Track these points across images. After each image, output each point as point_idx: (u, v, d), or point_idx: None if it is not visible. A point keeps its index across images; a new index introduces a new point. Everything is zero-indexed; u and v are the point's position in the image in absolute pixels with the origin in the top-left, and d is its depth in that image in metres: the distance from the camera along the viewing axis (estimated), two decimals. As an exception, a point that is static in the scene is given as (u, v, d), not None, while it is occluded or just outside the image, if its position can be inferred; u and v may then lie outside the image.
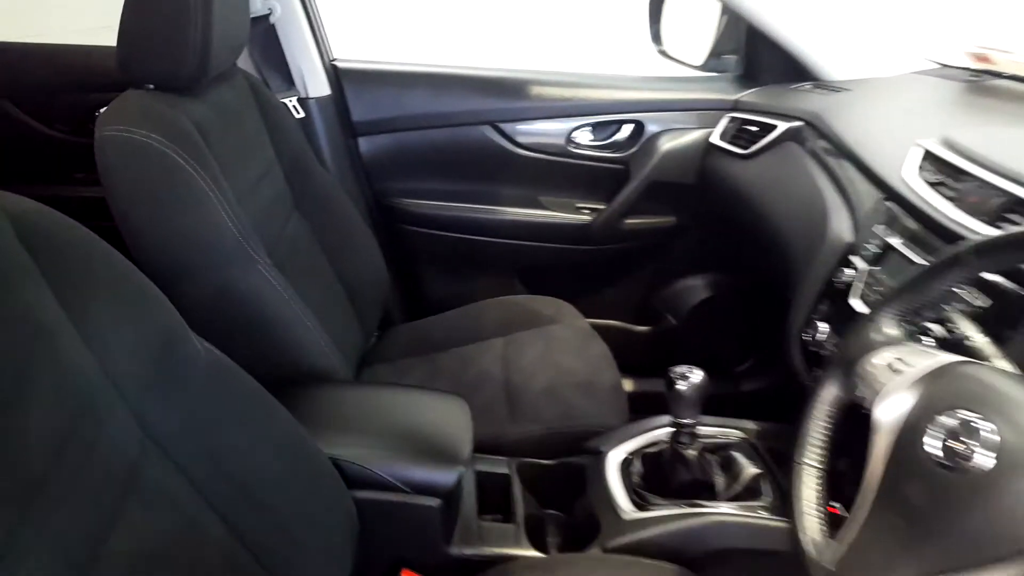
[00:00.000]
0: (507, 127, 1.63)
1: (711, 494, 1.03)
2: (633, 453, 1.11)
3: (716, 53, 1.70)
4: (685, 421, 0.99)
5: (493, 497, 1.11)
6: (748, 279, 1.78)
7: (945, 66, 1.51)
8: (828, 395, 0.75)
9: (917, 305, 0.71)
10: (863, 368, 0.70)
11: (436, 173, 1.70)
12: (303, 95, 1.52)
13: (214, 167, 0.98)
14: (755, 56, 1.64)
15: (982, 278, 0.74)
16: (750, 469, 1.05)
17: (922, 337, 0.74)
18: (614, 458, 1.10)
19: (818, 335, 1.06)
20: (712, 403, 1.79)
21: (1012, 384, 0.58)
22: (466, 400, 1.28)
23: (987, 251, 0.63)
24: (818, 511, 0.71)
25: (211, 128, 1.03)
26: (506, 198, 1.69)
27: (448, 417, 1.03)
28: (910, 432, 0.61)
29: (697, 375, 0.96)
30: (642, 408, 1.28)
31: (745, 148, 1.48)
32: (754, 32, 1.58)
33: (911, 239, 0.97)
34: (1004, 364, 0.69)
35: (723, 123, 1.58)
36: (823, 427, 0.74)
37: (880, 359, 0.69)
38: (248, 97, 1.21)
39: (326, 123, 1.56)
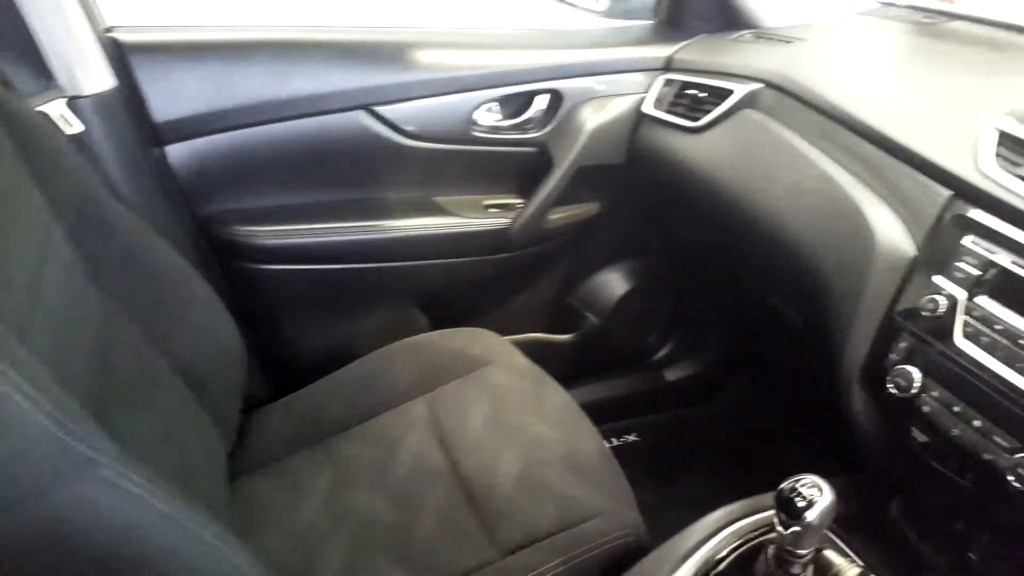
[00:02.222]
0: (388, 111, 1.18)
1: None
2: (699, 578, 0.82)
3: (622, -8, 1.39)
4: (804, 552, 0.72)
5: None
6: (670, 260, 1.55)
7: (885, 4, 1.33)
8: None
9: None
10: None
11: (289, 184, 1.21)
12: (72, 92, 0.97)
13: None
14: (678, -1, 1.35)
15: None
16: (849, 570, 0.81)
17: None
18: None
19: (901, 381, 0.83)
20: (641, 400, 1.62)
21: None
22: (414, 514, 0.94)
23: None
24: None
25: None
26: (393, 206, 1.26)
27: None
28: None
29: (825, 495, 0.68)
30: None
31: (692, 119, 1.21)
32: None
33: (1028, 256, 0.75)
34: None
35: (657, 87, 1.29)
36: None
37: None
38: None
39: (114, 132, 1.01)
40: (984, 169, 0.81)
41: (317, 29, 1.19)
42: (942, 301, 0.81)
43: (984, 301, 0.78)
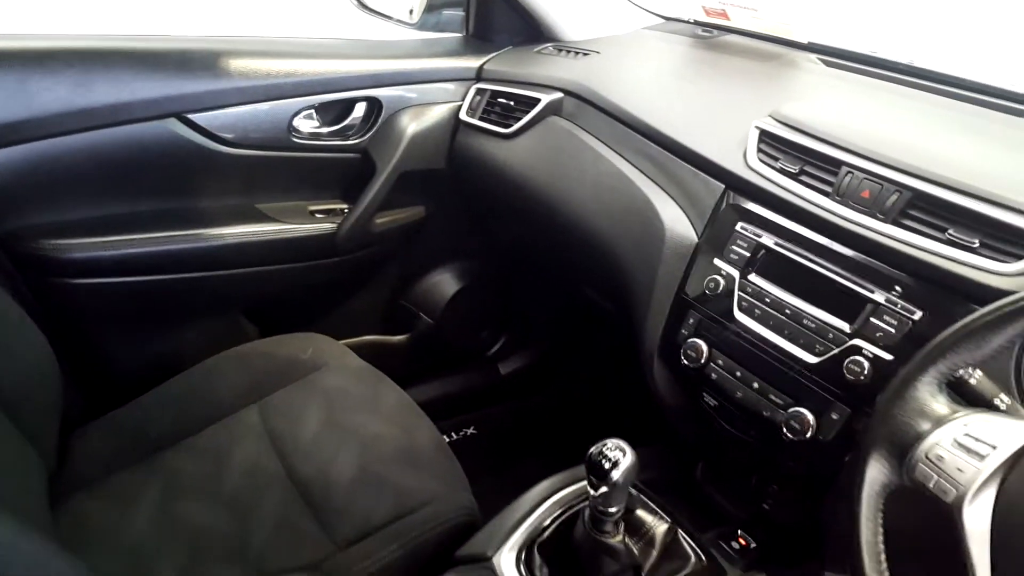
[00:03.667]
0: (202, 118, 1.16)
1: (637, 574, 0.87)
2: (526, 547, 0.89)
3: (432, 7, 1.45)
4: (614, 510, 0.80)
5: None
6: (498, 261, 1.63)
7: (668, 20, 1.48)
8: (875, 487, 0.62)
9: (964, 364, 0.60)
10: (924, 452, 0.58)
11: (99, 195, 1.16)
12: None
13: None
14: (484, 13, 1.42)
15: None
16: (659, 526, 0.91)
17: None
18: (508, 562, 0.87)
19: (691, 353, 0.94)
20: (477, 395, 1.69)
21: None
22: (250, 521, 0.95)
23: None
24: None
25: None
26: (213, 214, 1.24)
27: None
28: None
29: (627, 456, 0.77)
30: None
31: (505, 125, 1.29)
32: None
33: (787, 238, 0.88)
34: (1005, 399, 0.64)
35: (470, 96, 1.35)
36: (879, 528, 0.62)
37: (944, 437, 0.58)
38: None
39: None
40: (750, 164, 0.94)
41: (120, 37, 1.15)
42: (721, 280, 0.93)
43: (755, 278, 0.91)
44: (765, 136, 0.95)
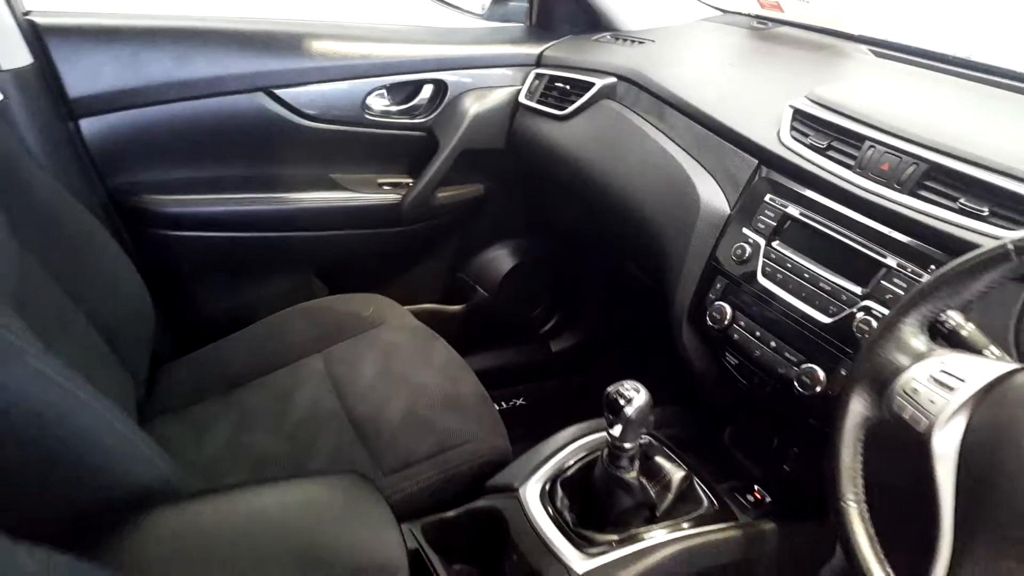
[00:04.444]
0: (287, 93, 1.30)
1: (650, 513, 0.94)
2: (550, 482, 0.97)
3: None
4: (628, 446, 0.87)
5: None
6: (553, 240, 1.72)
7: (726, 12, 1.54)
8: (856, 418, 0.68)
9: (945, 308, 0.66)
10: (902, 386, 0.64)
11: (195, 158, 1.31)
12: (-7, 67, 1.06)
13: None
14: (547, 4, 1.52)
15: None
16: (676, 473, 0.98)
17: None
18: (533, 493, 0.96)
19: (716, 315, 1.01)
20: (528, 369, 1.77)
21: None
22: (308, 450, 1.05)
23: None
24: (878, 554, 0.64)
25: None
26: (292, 181, 1.38)
27: (356, 510, 0.78)
28: (999, 461, 0.56)
29: (641, 395, 0.84)
30: None
31: (560, 108, 1.37)
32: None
33: (812, 208, 0.94)
34: (995, 351, 0.68)
35: (529, 80, 1.45)
36: (858, 455, 0.67)
37: (920, 373, 0.63)
38: None
39: (32, 105, 1.10)
40: (783, 140, 1.00)
41: (215, 19, 1.29)
42: (747, 248, 0.99)
43: (778, 245, 0.96)
44: (798, 115, 1.01)
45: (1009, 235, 0.63)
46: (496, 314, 1.71)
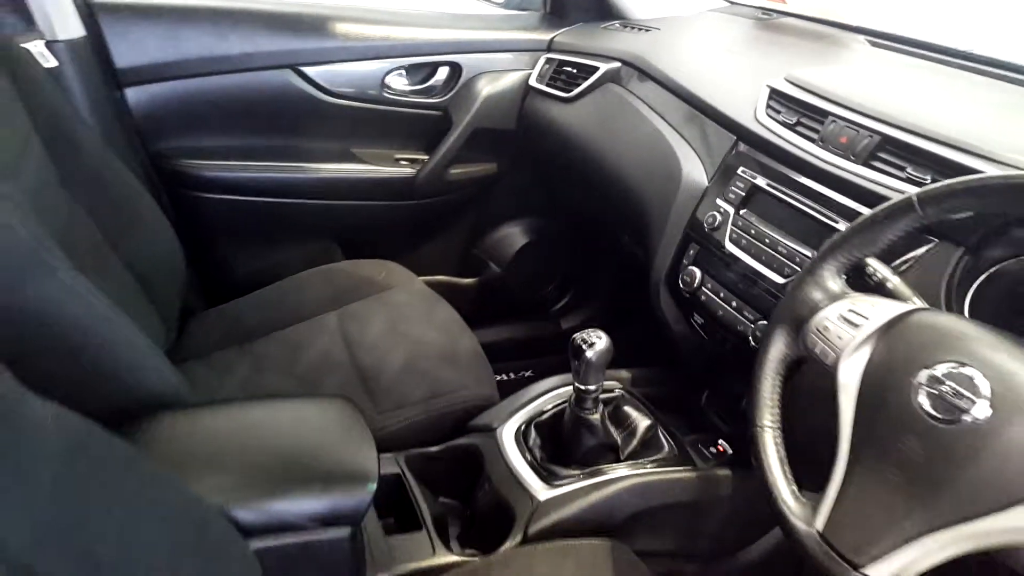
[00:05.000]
0: (312, 71, 1.43)
1: (614, 455, 1.02)
2: (525, 424, 1.06)
3: (519, -12, 1.65)
4: (591, 387, 0.96)
5: (384, 500, 1.00)
6: (564, 220, 1.80)
7: (733, 3, 1.60)
8: (776, 353, 0.75)
9: (861, 255, 0.72)
10: (815, 324, 0.71)
11: (227, 128, 1.44)
12: (50, 37, 1.20)
13: None
14: (561, -7, 1.61)
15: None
16: (643, 421, 1.06)
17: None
18: (509, 433, 1.05)
19: (687, 279, 1.08)
20: (539, 344, 1.85)
21: (978, 329, 0.61)
22: (314, 390, 1.15)
23: (940, 198, 0.65)
24: (786, 473, 0.72)
25: None
26: (315, 153, 1.50)
27: (340, 425, 0.88)
28: (887, 386, 0.62)
29: (602, 340, 0.92)
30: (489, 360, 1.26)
31: (567, 91, 1.46)
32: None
33: (777, 179, 1.00)
34: (918, 301, 0.74)
35: (540, 64, 1.54)
36: (775, 387, 0.75)
37: (832, 312, 0.70)
38: None
39: (83, 73, 1.24)
40: (758, 118, 1.07)
41: (250, 1, 1.43)
42: (718, 216, 1.06)
43: (745, 214, 1.03)
44: (774, 94, 1.07)
45: (915, 189, 0.69)
46: (508, 289, 1.79)
